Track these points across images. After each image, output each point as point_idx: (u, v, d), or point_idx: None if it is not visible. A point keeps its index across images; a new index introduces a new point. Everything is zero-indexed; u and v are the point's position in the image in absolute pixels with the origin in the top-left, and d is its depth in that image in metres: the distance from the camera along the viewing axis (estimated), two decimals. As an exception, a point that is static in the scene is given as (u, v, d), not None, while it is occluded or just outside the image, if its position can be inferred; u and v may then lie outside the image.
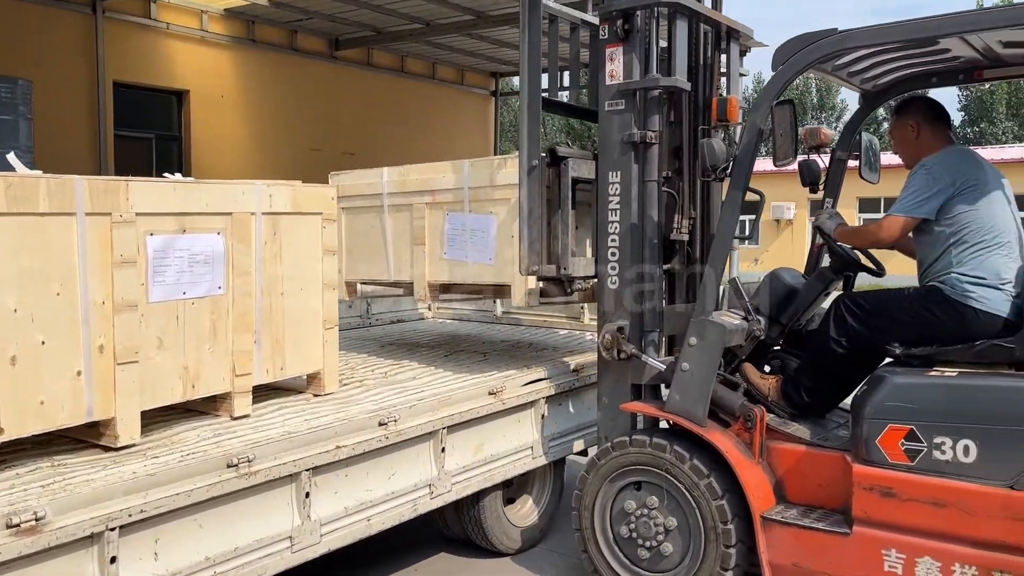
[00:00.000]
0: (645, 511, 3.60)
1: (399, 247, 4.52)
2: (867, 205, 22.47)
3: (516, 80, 15.90)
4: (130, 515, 2.48)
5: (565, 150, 3.96)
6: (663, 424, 3.80)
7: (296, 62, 11.97)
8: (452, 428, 3.64)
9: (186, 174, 10.94)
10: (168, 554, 2.62)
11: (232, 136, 11.34)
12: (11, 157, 2.80)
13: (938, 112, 3.62)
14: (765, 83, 3.58)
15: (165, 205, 2.99)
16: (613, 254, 3.85)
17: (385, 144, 13.11)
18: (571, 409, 4.39)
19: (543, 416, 4.16)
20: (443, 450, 3.60)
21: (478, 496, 3.93)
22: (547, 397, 4.17)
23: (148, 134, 10.80)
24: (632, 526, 3.63)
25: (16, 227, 2.56)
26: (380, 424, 3.32)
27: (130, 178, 2.89)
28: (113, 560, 2.45)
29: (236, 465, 2.79)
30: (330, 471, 3.15)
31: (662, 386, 3.81)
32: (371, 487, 3.31)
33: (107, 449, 2.88)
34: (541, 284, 4.03)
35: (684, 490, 3.48)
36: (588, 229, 4.16)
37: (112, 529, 2.44)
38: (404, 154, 13.61)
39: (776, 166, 3.53)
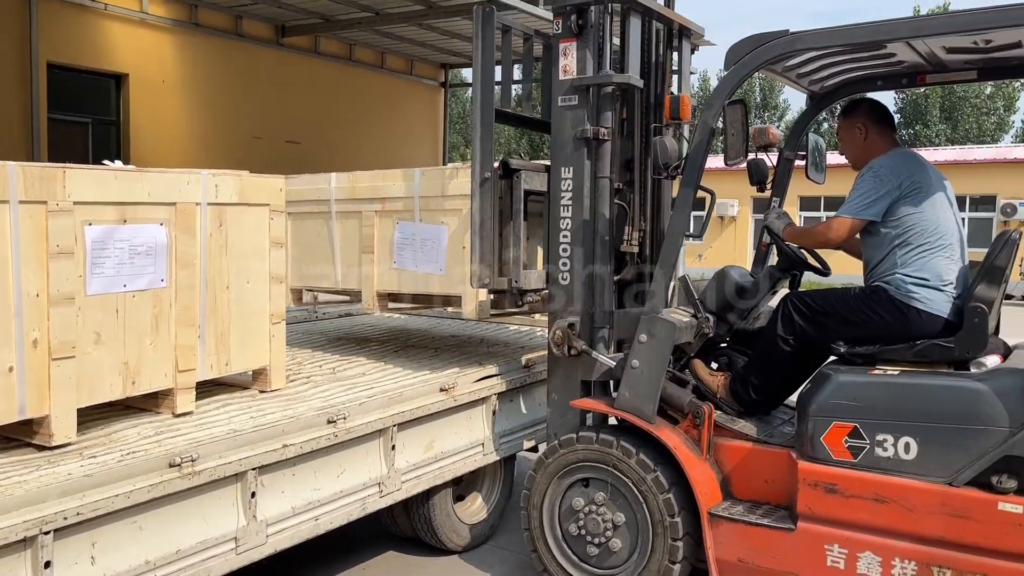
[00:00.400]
0: (593, 507, 3.61)
1: (347, 255, 4.46)
2: (808, 203, 23.02)
3: (465, 72, 15.82)
4: (65, 518, 2.38)
5: (517, 162, 3.95)
6: (612, 421, 3.81)
7: (241, 48, 11.69)
8: (403, 425, 3.59)
9: (125, 160, 10.64)
10: (106, 558, 2.52)
11: (173, 122, 11.02)
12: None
13: (884, 115, 3.71)
14: (711, 82, 3.63)
15: (105, 194, 2.87)
16: (565, 250, 3.84)
17: (331, 134, 12.91)
18: (522, 405, 4.37)
19: (494, 412, 4.13)
20: (393, 448, 3.55)
21: (428, 494, 3.89)
22: (498, 393, 4.14)
23: (85, 118, 10.43)
24: (580, 523, 3.63)
25: (-57, 215, 2.43)
26: (329, 422, 3.25)
27: (68, 165, 2.76)
28: (48, 565, 2.35)
29: (179, 465, 2.70)
30: (277, 470, 3.07)
31: (611, 382, 3.82)
32: (319, 486, 3.24)
33: (41, 448, 2.75)
34: (492, 296, 4.03)
35: (631, 485, 3.50)
36: (539, 240, 4.16)
37: (46, 533, 2.34)
38: (351, 144, 13.44)
39: (727, 165, 3.58)
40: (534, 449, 4.44)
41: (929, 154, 25.55)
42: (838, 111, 4.11)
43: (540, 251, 4.14)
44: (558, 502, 3.71)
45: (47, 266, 2.69)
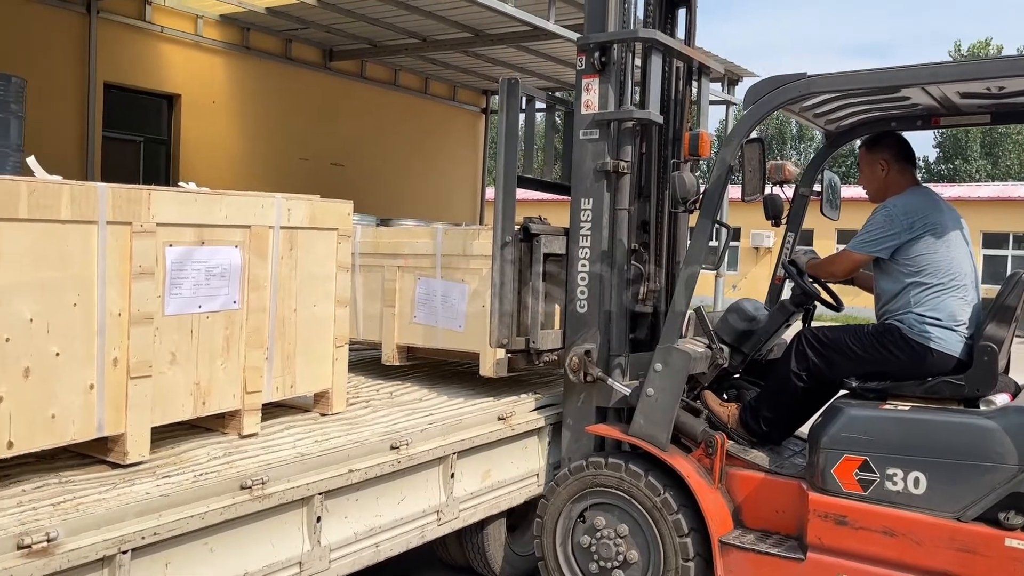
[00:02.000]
0: (606, 532, 3.66)
1: (369, 307, 4.55)
2: (845, 237, 22.78)
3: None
4: (143, 537, 2.39)
5: (538, 227, 4.02)
6: (624, 447, 3.88)
7: (289, 71, 11.87)
8: (462, 453, 3.58)
9: (174, 179, 10.82)
10: (178, 579, 2.53)
11: (221, 142, 11.20)
12: (31, 161, 2.71)
13: (907, 152, 3.80)
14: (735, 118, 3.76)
15: (185, 216, 2.92)
16: (583, 279, 3.95)
17: (375, 157, 13.04)
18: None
19: (549, 442, 4.11)
20: (452, 476, 3.53)
21: (482, 523, 3.86)
22: (553, 424, 4.12)
23: (137, 137, 10.62)
24: (593, 548, 3.70)
25: (37, 234, 2.47)
26: (392, 448, 3.25)
27: (153, 187, 2.81)
28: (124, 584, 2.36)
29: (250, 487, 2.71)
30: (341, 495, 3.07)
31: (625, 409, 3.88)
32: (380, 512, 3.23)
33: (114, 466, 2.78)
34: (509, 355, 4.08)
35: (645, 513, 3.58)
36: (556, 301, 4.23)
37: (124, 552, 2.35)
38: (393, 167, 13.57)
39: (744, 200, 3.74)
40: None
41: (969, 190, 25.25)
42: (859, 143, 4.19)
43: (557, 311, 4.23)
44: (574, 522, 3.77)
45: (129, 286, 2.73)
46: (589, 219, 3.92)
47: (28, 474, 2.63)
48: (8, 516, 2.27)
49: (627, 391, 3.76)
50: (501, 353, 4.07)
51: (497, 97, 16.53)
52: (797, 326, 4.12)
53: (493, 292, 3.88)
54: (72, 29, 9.52)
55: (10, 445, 2.45)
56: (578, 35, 4.47)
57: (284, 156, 11.66)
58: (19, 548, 2.14)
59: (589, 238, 3.92)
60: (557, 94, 4.66)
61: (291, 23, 10.98)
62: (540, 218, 4.09)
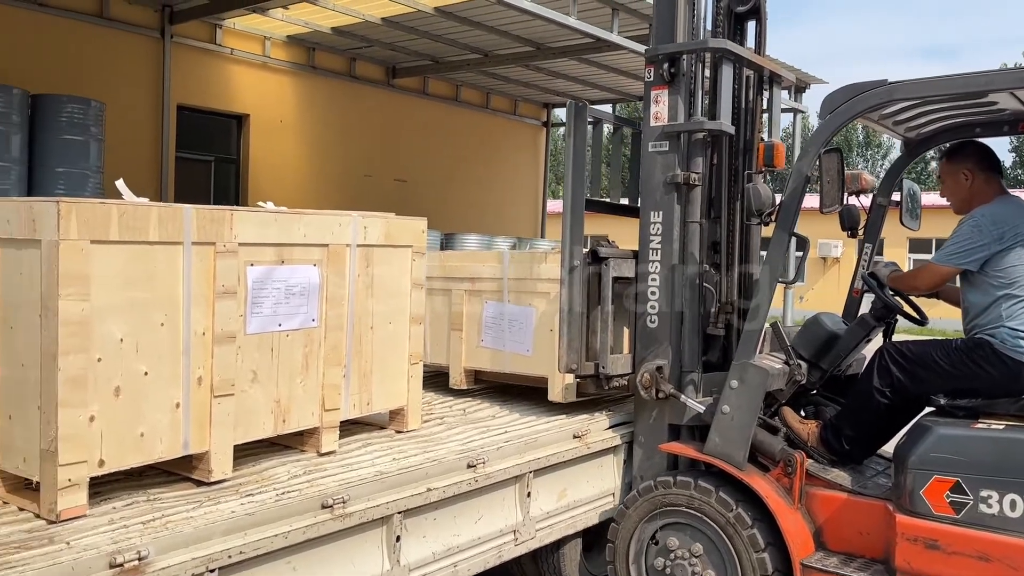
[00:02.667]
0: (681, 552, 3.59)
1: (436, 331, 4.54)
2: (918, 245, 22.08)
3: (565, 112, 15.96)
4: (229, 556, 2.40)
5: (606, 250, 3.97)
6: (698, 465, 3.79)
7: (353, 89, 12.06)
8: (538, 472, 3.52)
9: (242, 197, 11.04)
10: (263, 598, 2.53)
11: (288, 161, 11.43)
12: (120, 184, 2.77)
13: (991, 160, 3.65)
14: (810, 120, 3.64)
15: (266, 235, 2.94)
16: (653, 293, 3.87)
17: (437, 172, 13.14)
18: (652, 454, 4.24)
19: (624, 461, 4.03)
20: (528, 495, 3.48)
21: (558, 543, 3.80)
22: (628, 442, 4.04)
23: (208, 157, 10.92)
24: (668, 570, 3.62)
25: (127, 256, 2.52)
26: (469, 466, 3.22)
27: (235, 208, 2.85)
28: (211, 603, 2.37)
29: (331, 506, 2.71)
30: (420, 514, 3.04)
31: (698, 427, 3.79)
32: (458, 532, 3.20)
33: (198, 483, 2.81)
34: (578, 380, 4.02)
35: (719, 530, 3.50)
36: (625, 324, 4.17)
37: (212, 571, 2.36)
38: (456, 182, 13.66)
39: (822, 212, 3.62)
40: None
41: (1051, 195, 24.21)
42: (941, 153, 4.04)
43: (626, 335, 4.16)
44: (646, 544, 3.70)
45: (213, 305, 2.77)
46: (659, 232, 3.85)
47: (118, 491, 2.67)
48: (100, 535, 2.31)
49: (701, 408, 3.68)
50: (570, 378, 4.02)
51: (561, 111, 16.43)
52: (877, 341, 3.99)
53: (561, 317, 3.85)
54: (148, 54, 9.84)
55: (101, 463, 2.49)
56: (642, 46, 4.43)
57: (349, 173, 11.84)
58: (111, 567, 2.16)
59: (659, 252, 3.85)
60: (619, 108, 4.61)
61: (355, 41, 11.17)
62: (608, 240, 4.03)
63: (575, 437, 3.73)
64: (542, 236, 15.09)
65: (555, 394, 4.06)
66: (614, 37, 8.77)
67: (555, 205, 22.24)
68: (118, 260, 2.50)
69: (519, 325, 4.17)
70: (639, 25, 9.33)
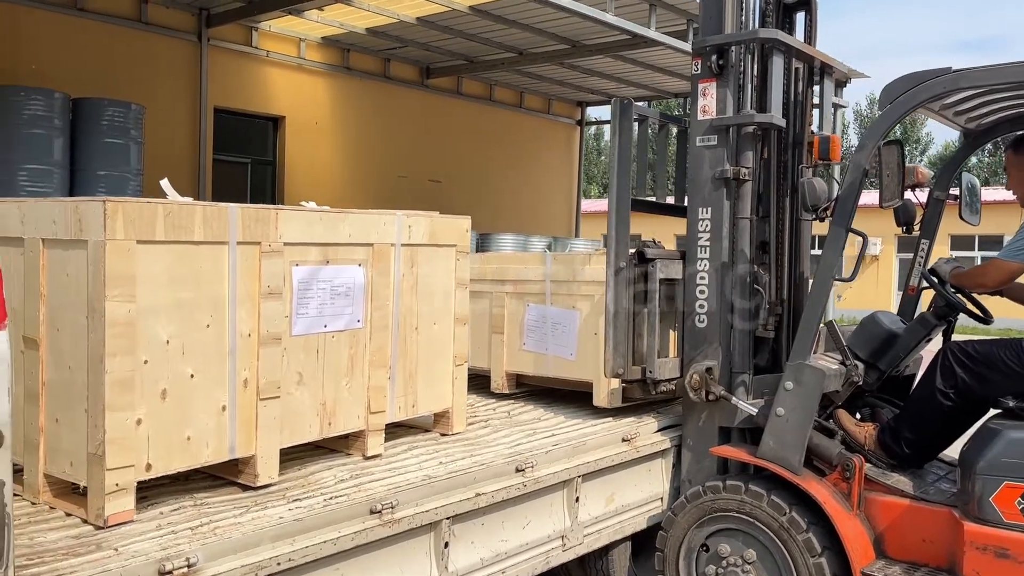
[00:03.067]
0: (735, 560, 3.48)
1: (476, 334, 4.43)
2: (960, 243, 21.59)
3: (600, 110, 15.81)
4: (278, 563, 2.35)
5: (654, 251, 3.86)
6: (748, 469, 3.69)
7: (388, 89, 12.05)
8: (587, 476, 3.43)
9: (279, 199, 11.06)
10: (311, 605, 2.47)
11: (324, 162, 11.44)
12: (164, 184, 2.73)
13: None
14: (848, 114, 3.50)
15: (310, 235, 2.89)
16: (702, 292, 3.77)
17: (471, 172, 13.09)
18: (701, 458, 4.13)
19: (674, 465, 3.92)
20: (577, 500, 3.39)
21: (606, 548, 3.70)
22: (678, 445, 3.93)
23: (245, 159, 10.96)
24: (719, 574, 3.52)
25: (173, 256, 2.48)
26: (518, 470, 3.14)
27: (280, 207, 2.79)
28: (260, 611, 2.31)
29: (379, 512, 2.64)
30: (468, 519, 2.97)
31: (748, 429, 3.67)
32: (506, 537, 3.12)
33: (245, 488, 2.76)
34: (624, 384, 3.92)
35: (772, 535, 3.38)
36: (670, 326, 4.06)
37: (260, 579, 2.30)
38: (489, 182, 13.60)
39: (882, 207, 3.51)
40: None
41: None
42: (1005, 145, 3.88)
43: (673, 338, 4.06)
44: (696, 551, 3.59)
45: (259, 306, 2.72)
46: (708, 229, 3.75)
47: (164, 496, 2.63)
48: (149, 540, 2.26)
49: (753, 410, 3.57)
50: (615, 382, 3.92)
51: (594, 110, 16.13)
52: (937, 341, 3.84)
53: (607, 320, 3.76)
54: (185, 57, 9.90)
55: (149, 467, 2.45)
56: (681, 41, 4.33)
57: (383, 174, 11.83)
58: (161, 574, 2.12)
59: (708, 249, 3.75)
60: (654, 105, 4.52)
61: (390, 42, 11.15)
62: (655, 241, 3.93)
63: (624, 440, 3.64)
64: (576, 235, 14.98)
65: (600, 399, 3.96)
66: (652, 33, 8.63)
67: (588, 205, 22.09)
68: (164, 260, 2.46)
69: (562, 328, 4.08)
70: (676, 20, 9.19)
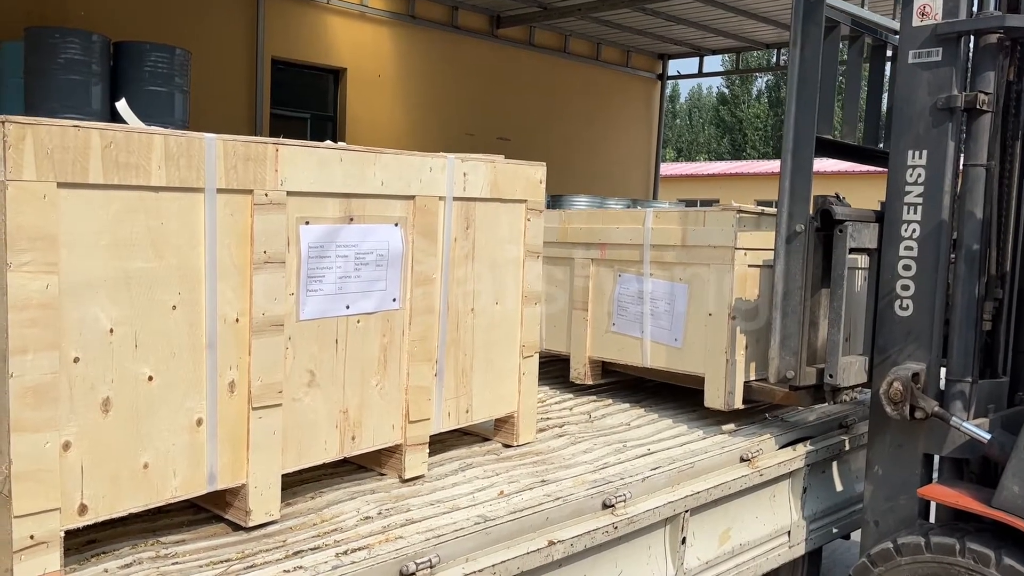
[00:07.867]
0: None
1: (553, 310, 3.60)
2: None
3: (683, 63, 14.61)
4: (259, 663, 1.59)
5: (843, 210, 2.88)
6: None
7: (455, 40, 11.26)
8: (695, 509, 2.59)
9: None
10: None
11: (387, 117, 10.76)
12: (121, 105, 1.98)
13: None
14: None
15: (327, 182, 2.09)
16: (906, 268, 2.78)
17: (543, 130, 12.27)
18: (836, 480, 3.24)
19: (804, 490, 3.04)
20: (683, 540, 2.56)
21: (717, 599, 2.87)
22: (809, 464, 3.05)
23: (304, 113, 10.36)
24: None
25: (118, 206, 1.71)
26: (605, 506, 2.32)
27: (281, 140, 2.00)
28: None
29: (412, 574, 1.86)
30: (540, 574, 2.17)
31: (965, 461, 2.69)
32: (590, 594, 2.32)
33: (234, 527, 2.02)
34: (793, 390, 2.96)
35: None
36: (853, 313, 3.16)
37: None
38: (562, 142, 12.69)
39: None
40: (846, 536, 3.31)
41: None
42: None
43: (856, 330, 3.16)
44: None
45: (250, 281, 1.94)
46: (920, 181, 2.75)
47: (119, 540, 1.91)
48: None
49: (984, 437, 2.59)
50: (736, 379, 3.03)
51: (676, 62, 15.02)
52: None
53: (775, 304, 2.88)
54: (241, 6, 9.28)
55: (83, 509, 1.71)
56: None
57: (449, 131, 11.07)
58: None
59: (919, 209, 2.76)
60: (877, 21, 3.41)
61: (458, -13, 10.32)
62: (839, 196, 2.97)
63: (743, 460, 2.78)
64: (654, 198, 13.98)
65: (715, 399, 3.06)
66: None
67: (665, 168, 20.80)
68: (104, 213, 1.70)
69: (665, 307, 3.20)
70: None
